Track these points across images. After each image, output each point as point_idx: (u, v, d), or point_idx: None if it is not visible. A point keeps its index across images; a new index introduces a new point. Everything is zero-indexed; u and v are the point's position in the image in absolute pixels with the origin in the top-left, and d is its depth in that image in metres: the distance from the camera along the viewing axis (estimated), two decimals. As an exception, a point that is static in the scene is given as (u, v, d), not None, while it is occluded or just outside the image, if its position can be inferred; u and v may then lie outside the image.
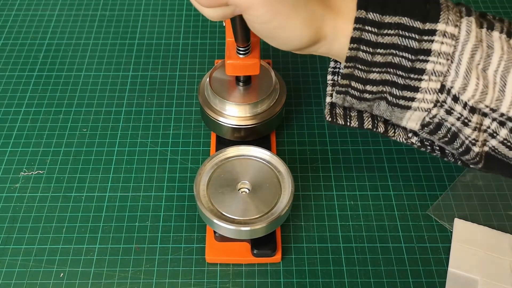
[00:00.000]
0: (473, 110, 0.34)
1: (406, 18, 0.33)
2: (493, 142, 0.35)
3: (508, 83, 0.33)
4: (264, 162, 0.47)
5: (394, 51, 0.33)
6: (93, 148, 0.55)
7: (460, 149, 0.37)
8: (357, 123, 0.38)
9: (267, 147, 0.51)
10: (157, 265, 0.46)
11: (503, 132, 0.34)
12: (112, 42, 0.66)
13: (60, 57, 0.64)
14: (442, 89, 0.33)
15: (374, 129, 0.39)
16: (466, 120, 0.34)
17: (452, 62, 0.33)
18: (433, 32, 0.32)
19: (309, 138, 0.56)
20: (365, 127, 0.39)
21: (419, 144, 0.39)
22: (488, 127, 0.35)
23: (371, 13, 0.33)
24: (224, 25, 0.49)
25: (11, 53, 0.65)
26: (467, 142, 0.35)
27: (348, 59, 0.34)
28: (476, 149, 0.35)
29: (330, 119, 0.39)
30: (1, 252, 0.47)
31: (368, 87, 0.35)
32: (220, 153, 0.47)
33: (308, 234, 0.48)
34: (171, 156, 0.54)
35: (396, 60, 0.33)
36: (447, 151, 0.39)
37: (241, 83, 0.51)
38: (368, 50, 0.33)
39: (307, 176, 0.52)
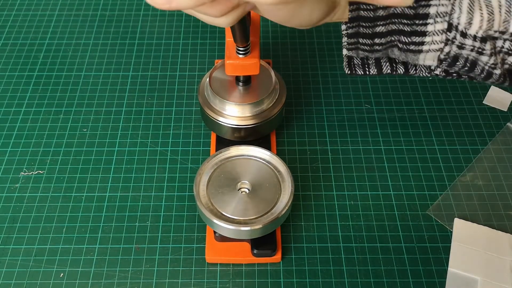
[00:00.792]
0: (483, 39, 0.34)
1: None
2: (511, 59, 0.36)
3: None
4: (264, 162, 0.47)
5: None
6: (93, 148, 0.55)
7: (482, 75, 0.37)
8: (375, 70, 0.38)
9: (267, 147, 0.51)
10: (157, 265, 0.46)
11: None
12: (112, 42, 0.66)
13: (60, 57, 0.64)
14: (449, 27, 0.34)
15: (394, 72, 0.38)
16: (480, 50, 0.35)
17: (454, 0, 0.33)
18: None
19: (309, 138, 0.56)
20: (384, 72, 0.39)
21: (444, 74, 0.39)
22: (502, 47, 0.35)
23: None
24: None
25: (11, 53, 0.65)
26: (487, 68, 0.36)
27: (351, 19, 0.34)
28: (497, 71, 0.36)
29: (349, 71, 0.38)
30: (1, 252, 0.47)
31: (377, 40, 0.35)
32: (220, 153, 0.47)
33: (308, 234, 0.48)
34: (171, 156, 0.54)
35: (399, 10, 0.34)
36: (471, 75, 0.39)
37: (241, 83, 0.51)
38: (368, 7, 0.34)
39: (307, 176, 0.52)
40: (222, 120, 0.50)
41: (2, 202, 0.51)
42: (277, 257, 0.46)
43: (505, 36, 0.34)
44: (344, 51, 0.39)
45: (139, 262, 0.47)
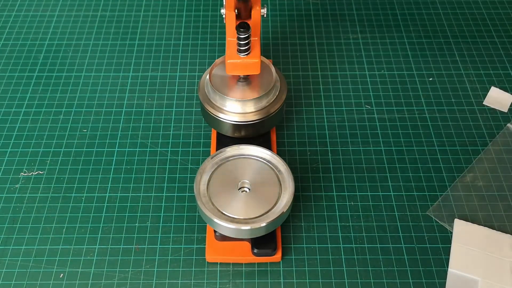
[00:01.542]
0: None
1: None
2: None
3: None
4: (264, 161, 0.47)
5: None
6: (93, 149, 0.55)
7: None
8: None
9: (268, 146, 0.51)
10: (157, 266, 0.46)
11: None
12: (112, 43, 0.66)
13: (60, 57, 0.64)
14: None
15: None
16: None
17: None
18: None
19: (309, 138, 0.56)
20: None
21: None
22: None
23: None
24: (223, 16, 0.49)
25: (12, 53, 0.65)
26: None
27: None
28: None
29: None
30: (1, 252, 0.47)
31: None
32: (220, 152, 0.47)
33: (308, 234, 0.48)
34: (171, 157, 0.54)
35: None
36: None
37: (241, 79, 0.51)
38: None
39: (307, 177, 0.52)
40: (222, 116, 0.50)
41: (2, 202, 0.51)
42: (277, 257, 0.46)
43: None
44: None
45: (139, 262, 0.47)
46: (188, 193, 0.51)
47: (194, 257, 0.47)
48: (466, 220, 0.49)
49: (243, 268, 0.46)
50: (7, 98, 0.60)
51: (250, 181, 0.46)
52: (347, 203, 0.51)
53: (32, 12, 0.70)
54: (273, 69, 0.52)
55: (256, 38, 0.50)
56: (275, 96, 0.51)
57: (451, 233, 0.48)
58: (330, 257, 0.47)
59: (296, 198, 0.50)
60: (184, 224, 0.49)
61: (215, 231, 0.46)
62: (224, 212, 0.43)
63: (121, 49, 0.65)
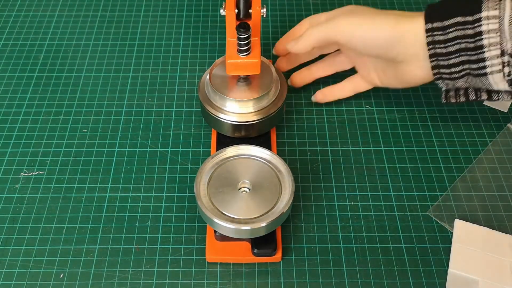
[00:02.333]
0: None
1: (459, 17, 0.46)
2: None
3: None
4: (264, 161, 0.47)
5: (459, 40, 0.46)
6: (93, 149, 0.55)
7: None
8: (464, 98, 0.49)
9: (268, 147, 0.51)
10: (157, 266, 0.46)
11: None
12: (112, 43, 0.66)
13: (61, 58, 0.64)
14: (502, 53, 0.45)
15: (478, 99, 0.49)
16: None
17: (502, 33, 0.44)
18: (479, 20, 0.45)
19: (309, 138, 0.56)
20: (471, 99, 0.49)
21: None
22: None
23: (435, 23, 0.47)
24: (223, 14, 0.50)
25: (12, 54, 0.65)
26: None
27: (431, 56, 0.48)
28: None
29: (444, 101, 0.50)
30: (1, 253, 0.47)
31: (453, 69, 0.47)
32: (220, 152, 0.47)
33: (309, 235, 0.48)
34: (171, 157, 0.54)
35: (463, 45, 0.46)
36: None
37: (241, 79, 0.51)
38: (441, 46, 0.47)
39: (307, 177, 0.52)
40: (222, 116, 0.50)
41: (2, 202, 0.51)
42: (278, 257, 0.46)
43: None
44: (443, 86, 0.50)
45: (139, 263, 0.47)
46: (188, 193, 0.51)
47: (194, 257, 0.47)
48: (466, 220, 0.49)
49: (243, 268, 0.46)
50: (7, 98, 0.60)
51: (250, 181, 0.46)
52: (347, 203, 0.51)
53: (32, 12, 0.70)
54: (273, 69, 0.52)
55: (256, 38, 0.50)
56: (275, 96, 0.51)
57: (451, 233, 0.48)
58: (330, 257, 0.47)
59: (296, 198, 0.50)
60: (184, 224, 0.49)
61: (215, 231, 0.46)
62: (224, 212, 0.43)
63: (121, 49, 0.65)
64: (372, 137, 0.56)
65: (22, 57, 0.64)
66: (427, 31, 0.47)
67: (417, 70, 0.50)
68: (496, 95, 0.48)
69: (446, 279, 0.45)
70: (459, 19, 0.46)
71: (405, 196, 0.51)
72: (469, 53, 0.46)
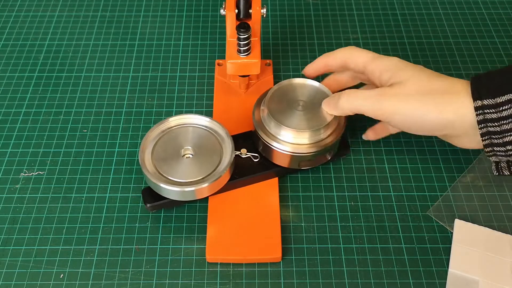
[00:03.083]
0: None
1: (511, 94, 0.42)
2: None
3: None
4: (205, 128, 0.50)
5: None
6: (93, 149, 0.55)
7: None
8: None
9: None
10: (157, 266, 0.46)
11: None
12: (112, 43, 0.66)
13: (61, 58, 0.64)
14: None
15: None
16: None
17: None
18: None
19: (310, 139, 0.56)
20: None
21: None
22: None
23: (485, 100, 0.42)
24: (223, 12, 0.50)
25: (12, 54, 0.65)
26: None
27: (482, 134, 0.44)
28: None
29: (497, 173, 0.47)
30: (1, 253, 0.47)
31: (509, 147, 0.44)
32: (162, 123, 0.50)
33: (309, 235, 0.48)
34: (171, 157, 0.54)
35: None
36: None
37: (300, 107, 0.49)
38: (494, 124, 0.43)
39: (307, 177, 0.52)
40: (276, 145, 0.48)
41: (2, 203, 0.51)
42: (278, 257, 0.46)
43: None
44: (493, 158, 0.46)
45: (139, 263, 0.47)
46: (188, 194, 0.51)
47: (194, 257, 0.47)
48: (467, 220, 0.49)
49: (243, 268, 0.46)
50: (7, 99, 0.60)
51: (192, 147, 0.48)
52: (347, 203, 0.51)
53: (32, 12, 0.70)
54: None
55: (256, 38, 0.51)
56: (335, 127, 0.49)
57: (451, 233, 0.48)
58: (331, 257, 0.47)
59: (296, 198, 0.50)
60: (184, 225, 0.49)
61: (145, 203, 0.48)
62: (169, 178, 0.46)
63: (121, 49, 0.65)
64: (372, 137, 0.56)
65: (22, 57, 0.64)
66: (476, 109, 0.43)
67: (467, 143, 0.47)
68: None
69: (446, 279, 0.45)
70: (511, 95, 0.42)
71: (405, 196, 0.51)
72: None
